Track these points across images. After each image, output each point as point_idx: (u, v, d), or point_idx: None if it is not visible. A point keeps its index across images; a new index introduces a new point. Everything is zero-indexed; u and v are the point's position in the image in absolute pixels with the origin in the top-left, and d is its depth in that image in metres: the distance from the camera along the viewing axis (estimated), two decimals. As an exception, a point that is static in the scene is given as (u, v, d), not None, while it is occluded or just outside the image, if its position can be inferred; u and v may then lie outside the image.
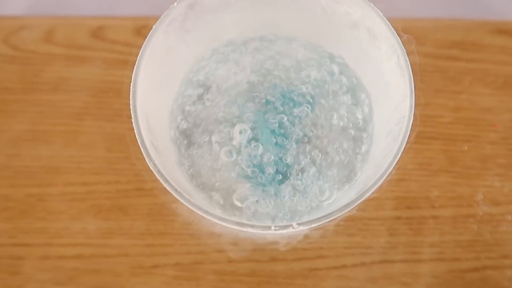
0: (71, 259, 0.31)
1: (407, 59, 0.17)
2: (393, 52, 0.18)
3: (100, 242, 0.31)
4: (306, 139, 0.21)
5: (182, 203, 0.17)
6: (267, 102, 0.22)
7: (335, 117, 0.22)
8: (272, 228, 0.16)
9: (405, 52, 0.17)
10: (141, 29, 0.36)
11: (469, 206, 0.31)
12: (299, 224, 0.15)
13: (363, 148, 0.21)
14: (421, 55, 0.35)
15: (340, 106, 0.23)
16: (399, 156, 0.16)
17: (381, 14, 0.18)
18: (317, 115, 0.22)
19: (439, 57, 0.35)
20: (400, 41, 0.18)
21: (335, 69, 0.22)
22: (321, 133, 0.21)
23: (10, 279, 0.30)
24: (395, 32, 0.18)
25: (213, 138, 0.21)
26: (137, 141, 0.19)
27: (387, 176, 0.17)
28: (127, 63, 0.35)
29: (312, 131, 0.21)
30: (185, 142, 0.22)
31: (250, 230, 0.16)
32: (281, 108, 0.21)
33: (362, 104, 0.22)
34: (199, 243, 0.31)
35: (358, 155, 0.21)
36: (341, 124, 0.22)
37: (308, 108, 0.21)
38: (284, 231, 0.16)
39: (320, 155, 0.21)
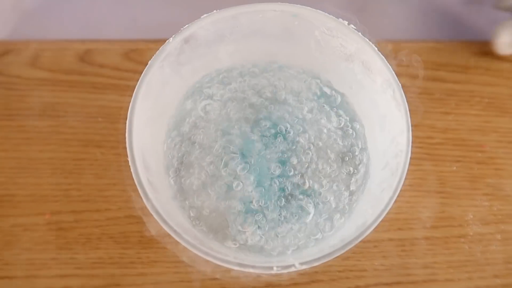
0: (59, 291, 0.30)
1: (403, 94, 0.17)
2: (388, 85, 0.18)
3: (90, 272, 0.30)
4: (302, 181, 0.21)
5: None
6: (263, 136, 0.22)
7: (328, 150, 0.22)
8: (275, 268, 0.15)
9: (400, 86, 0.18)
10: (130, 53, 0.35)
11: (460, 226, 0.32)
12: (301, 264, 0.15)
13: (359, 179, 0.21)
14: (407, 77, 0.36)
15: (335, 136, 0.23)
16: (398, 191, 0.16)
17: (376, 49, 0.18)
18: (312, 143, 0.22)
19: (426, 79, 0.36)
20: (395, 75, 0.18)
21: (330, 99, 0.22)
22: (314, 161, 0.21)
23: (-6, 314, 0.29)
24: (390, 67, 0.18)
25: (209, 169, 0.21)
26: (128, 168, 0.18)
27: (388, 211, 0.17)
28: (116, 87, 0.35)
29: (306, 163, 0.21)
30: (181, 173, 0.21)
31: (251, 270, 0.15)
32: (279, 146, 0.21)
33: (358, 135, 0.22)
34: (192, 271, 0.30)
35: (352, 185, 0.21)
36: (333, 152, 0.22)
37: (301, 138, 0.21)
38: (286, 271, 0.15)
39: (316, 186, 0.21)
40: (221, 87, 0.22)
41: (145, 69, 0.18)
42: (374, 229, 0.32)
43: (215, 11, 0.18)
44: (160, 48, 0.19)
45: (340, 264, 0.31)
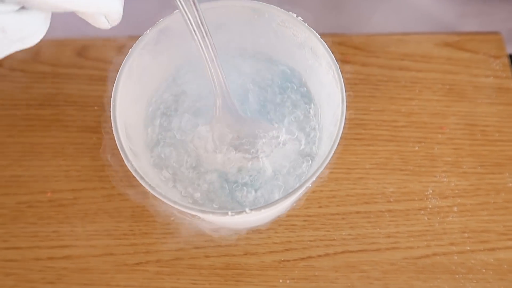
0: (60, 259, 0.33)
1: (340, 73, 0.21)
2: (329, 67, 0.21)
3: (87, 243, 0.34)
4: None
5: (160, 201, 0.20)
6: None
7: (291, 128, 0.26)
8: (229, 213, 0.19)
9: (338, 67, 0.21)
10: (122, 48, 0.39)
11: (420, 200, 0.35)
12: (251, 209, 0.19)
13: (314, 149, 0.24)
14: (376, 67, 0.39)
15: (297, 112, 0.26)
16: (332, 154, 0.20)
17: (319, 37, 0.22)
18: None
19: (393, 68, 0.39)
20: (334, 58, 0.21)
21: (294, 82, 0.25)
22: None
23: (3, 279, 0.33)
24: (330, 51, 0.21)
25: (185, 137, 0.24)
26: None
27: (323, 171, 0.20)
28: (110, 79, 0.39)
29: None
30: (160, 145, 0.25)
31: (211, 216, 0.19)
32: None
33: (314, 112, 0.25)
34: (179, 241, 0.34)
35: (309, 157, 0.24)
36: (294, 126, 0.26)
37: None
38: (239, 216, 0.19)
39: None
40: (194, 75, 0.25)
41: (127, 55, 0.22)
42: (342, 203, 0.35)
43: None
44: (139, 38, 0.22)
45: (311, 234, 0.34)
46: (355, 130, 0.37)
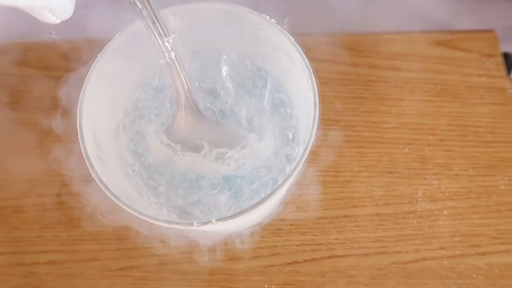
0: (44, 265, 0.33)
1: (313, 78, 0.20)
2: (303, 71, 0.20)
3: (71, 248, 0.34)
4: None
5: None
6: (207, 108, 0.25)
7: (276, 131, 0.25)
8: (195, 224, 0.18)
9: (312, 71, 0.20)
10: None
11: (409, 203, 0.34)
12: (217, 220, 0.18)
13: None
14: (366, 67, 0.39)
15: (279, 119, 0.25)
16: (303, 161, 0.19)
17: (293, 40, 0.21)
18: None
19: (383, 68, 0.39)
20: (307, 62, 0.20)
21: (271, 84, 0.25)
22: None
23: (-13, 285, 0.32)
24: (304, 55, 0.21)
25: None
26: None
27: (294, 178, 0.19)
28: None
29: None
30: (134, 151, 0.24)
31: (176, 226, 0.18)
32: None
33: (292, 115, 0.24)
34: (164, 246, 0.33)
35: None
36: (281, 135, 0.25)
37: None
38: (205, 227, 0.18)
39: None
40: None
41: (94, 62, 0.21)
42: (329, 207, 0.34)
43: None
44: (108, 44, 0.22)
45: (297, 239, 0.34)
46: (343, 132, 0.36)
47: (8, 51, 0.39)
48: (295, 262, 0.33)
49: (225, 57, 0.24)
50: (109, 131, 0.22)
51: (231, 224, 0.19)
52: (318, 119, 0.19)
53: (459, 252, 0.33)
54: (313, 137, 0.19)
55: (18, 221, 0.34)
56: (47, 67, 0.39)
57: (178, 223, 0.19)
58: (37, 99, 0.38)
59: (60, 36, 0.40)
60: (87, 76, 0.21)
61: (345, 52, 0.39)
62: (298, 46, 0.21)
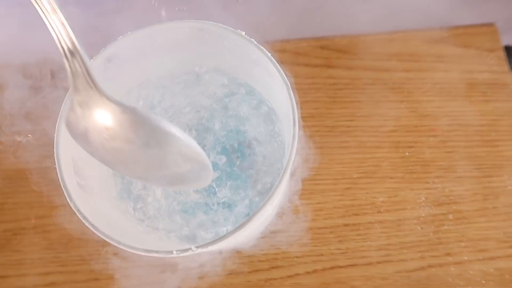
0: (45, 287, 0.33)
1: (291, 93, 0.19)
2: (282, 87, 0.20)
3: (72, 269, 0.34)
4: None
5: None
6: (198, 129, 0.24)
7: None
8: (174, 252, 0.18)
9: (290, 88, 0.20)
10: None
11: (412, 208, 0.33)
12: (197, 247, 0.18)
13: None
14: (361, 69, 0.38)
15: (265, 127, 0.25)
16: (289, 168, 0.18)
17: (270, 56, 0.20)
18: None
19: (378, 70, 0.37)
20: (286, 78, 0.20)
21: (254, 99, 0.24)
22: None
23: (-10, 309, 0.33)
24: (281, 70, 0.20)
25: None
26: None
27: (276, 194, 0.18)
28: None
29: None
30: (118, 176, 0.24)
31: (155, 255, 0.18)
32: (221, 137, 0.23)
33: (279, 131, 0.24)
34: (163, 263, 0.33)
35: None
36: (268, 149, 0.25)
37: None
38: (185, 254, 0.18)
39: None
40: (155, 94, 0.24)
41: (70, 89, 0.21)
42: (329, 216, 0.33)
43: (129, 32, 0.21)
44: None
45: (298, 250, 0.33)
46: (340, 138, 0.35)
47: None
48: (296, 274, 0.32)
49: (208, 74, 0.24)
50: (90, 157, 0.22)
51: (216, 248, 0.18)
52: (298, 136, 0.19)
53: (466, 258, 0.32)
54: (293, 155, 0.18)
55: (19, 244, 0.34)
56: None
57: (156, 252, 0.18)
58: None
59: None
60: (63, 103, 0.20)
61: (339, 56, 0.38)
62: (275, 61, 0.20)
